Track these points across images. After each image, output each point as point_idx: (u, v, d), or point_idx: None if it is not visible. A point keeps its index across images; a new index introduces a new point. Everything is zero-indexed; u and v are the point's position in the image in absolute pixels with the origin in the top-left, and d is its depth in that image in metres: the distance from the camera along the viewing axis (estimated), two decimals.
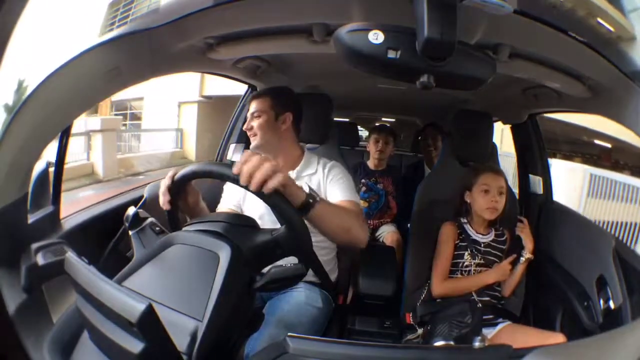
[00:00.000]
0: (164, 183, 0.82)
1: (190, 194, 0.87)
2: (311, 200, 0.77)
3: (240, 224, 0.77)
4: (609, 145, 5.89)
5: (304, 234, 0.74)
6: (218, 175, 0.76)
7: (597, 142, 6.00)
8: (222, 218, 0.77)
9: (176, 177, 0.81)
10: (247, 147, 1.82)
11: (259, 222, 1.10)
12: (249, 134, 1.21)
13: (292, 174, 1.20)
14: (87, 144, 6.74)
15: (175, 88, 8.63)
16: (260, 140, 1.18)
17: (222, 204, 1.23)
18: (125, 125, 10.03)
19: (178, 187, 0.82)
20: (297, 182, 1.17)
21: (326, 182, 1.19)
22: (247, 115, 1.23)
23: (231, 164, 0.73)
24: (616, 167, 5.46)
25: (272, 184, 0.70)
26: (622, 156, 5.54)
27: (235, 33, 1.00)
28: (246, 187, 0.71)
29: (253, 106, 1.21)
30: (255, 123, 1.18)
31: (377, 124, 2.86)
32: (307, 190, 0.78)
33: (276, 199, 0.72)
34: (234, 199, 1.21)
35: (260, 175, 0.70)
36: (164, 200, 0.82)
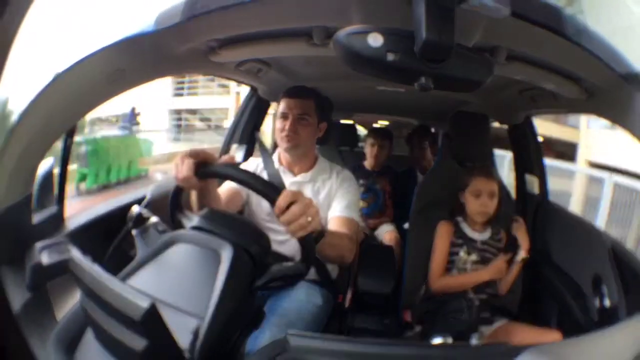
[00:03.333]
0: (187, 161, 0.78)
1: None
2: (319, 238, 0.79)
3: (259, 243, 0.76)
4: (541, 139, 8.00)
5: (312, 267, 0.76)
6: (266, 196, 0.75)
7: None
8: (246, 231, 0.76)
9: (215, 170, 0.80)
10: (249, 148, 1.82)
11: (267, 218, 1.12)
12: (285, 133, 1.15)
13: (307, 175, 1.22)
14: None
15: None
16: (302, 145, 1.17)
17: (227, 183, 1.19)
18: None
19: (207, 176, 0.81)
20: (310, 185, 1.21)
21: (336, 189, 1.20)
22: (284, 112, 1.17)
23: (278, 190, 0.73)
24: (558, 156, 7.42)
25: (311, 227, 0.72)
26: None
27: (237, 36, 1.01)
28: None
29: (297, 106, 1.16)
30: (301, 127, 1.15)
31: (374, 126, 2.85)
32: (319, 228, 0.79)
33: (309, 239, 0.73)
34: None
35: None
36: (188, 179, 0.78)
